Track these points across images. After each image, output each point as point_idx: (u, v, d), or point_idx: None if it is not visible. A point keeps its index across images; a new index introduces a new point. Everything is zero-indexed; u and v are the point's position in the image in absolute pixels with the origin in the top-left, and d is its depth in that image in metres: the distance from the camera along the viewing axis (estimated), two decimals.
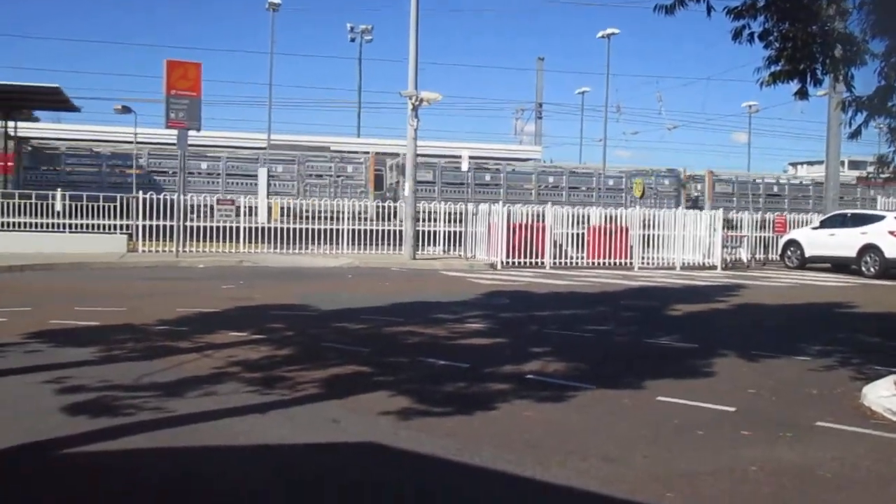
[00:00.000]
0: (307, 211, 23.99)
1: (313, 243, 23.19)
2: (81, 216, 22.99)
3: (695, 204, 33.42)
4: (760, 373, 8.30)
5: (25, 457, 5.22)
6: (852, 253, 21.68)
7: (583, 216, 23.63)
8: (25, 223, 22.93)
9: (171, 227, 21.67)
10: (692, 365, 8.50)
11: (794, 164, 65.56)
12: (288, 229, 23.10)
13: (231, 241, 22.62)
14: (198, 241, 22.25)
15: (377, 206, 24.90)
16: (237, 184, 30.67)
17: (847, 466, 5.38)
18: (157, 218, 22.14)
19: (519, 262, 22.04)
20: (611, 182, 34.68)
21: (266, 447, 5.55)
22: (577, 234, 23.29)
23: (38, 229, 22.63)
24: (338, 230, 23.50)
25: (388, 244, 23.47)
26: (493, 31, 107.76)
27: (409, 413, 6.29)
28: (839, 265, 22.63)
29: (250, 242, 22.94)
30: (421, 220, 23.64)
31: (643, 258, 23.26)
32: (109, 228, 22.75)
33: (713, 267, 23.27)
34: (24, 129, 34.16)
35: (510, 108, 71.06)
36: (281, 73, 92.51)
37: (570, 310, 13.40)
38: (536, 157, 42.05)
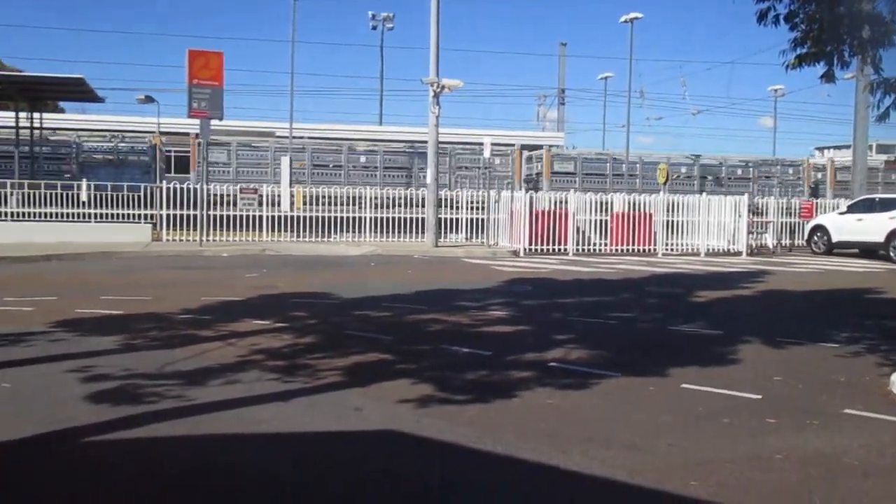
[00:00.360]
0: (329, 199, 24.03)
1: (336, 232, 23.24)
2: (106, 206, 23.19)
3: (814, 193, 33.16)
4: (786, 360, 8.21)
5: (51, 444, 5.26)
6: (880, 238, 21.40)
7: (606, 202, 23.49)
8: (52, 213, 23.15)
9: (195, 216, 21.80)
10: (717, 352, 8.42)
11: (820, 149, 64.76)
12: (310, 217, 23.16)
13: (254, 229, 22.72)
14: (221, 230, 22.38)
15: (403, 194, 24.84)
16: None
17: (874, 454, 5.31)
18: (181, 207, 22.28)
19: (542, 249, 21.96)
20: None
21: (289, 435, 5.56)
22: (601, 221, 23.16)
23: (64, 219, 22.84)
24: (360, 218, 23.53)
25: (411, 232, 23.46)
26: (514, 17, 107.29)
27: (431, 401, 6.28)
28: (867, 250, 22.34)
29: (273, 231, 23.03)
30: (443, 207, 23.61)
31: (667, 244, 23.09)
32: (134, 218, 22.93)
33: (738, 253, 23.06)
34: (49, 119, 34.46)
35: (532, 95, 70.63)
36: (303, 61, 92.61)
37: (593, 297, 13.32)
38: (559, 144, 41.80)
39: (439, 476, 4.95)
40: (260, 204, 23.30)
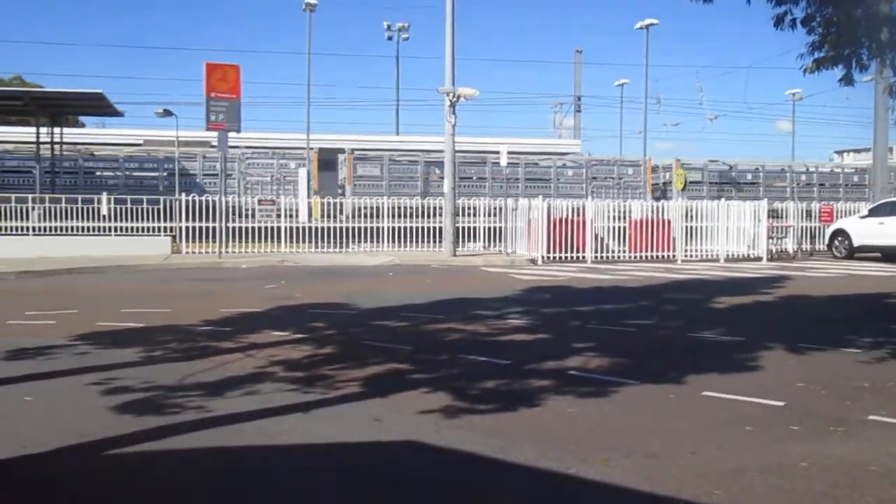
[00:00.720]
0: (347, 209, 24.11)
1: (354, 242, 23.30)
2: (127, 219, 23.36)
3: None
4: (809, 366, 8.13)
5: (76, 457, 5.29)
6: None
7: (624, 209, 23.41)
8: (72, 227, 23.35)
9: (214, 228, 21.92)
10: (738, 359, 8.35)
11: (839, 152, 64.28)
12: (328, 228, 23.23)
13: (272, 240, 22.83)
14: (240, 241, 22.50)
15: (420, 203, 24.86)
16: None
17: None
18: (200, 219, 22.41)
19: (560, 257, 21.91)
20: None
21: (309, 446, 5.56)
22: (619, 228, 23.09)
23: (85, 233, 23.03)
24: (378, 228, 23.58)
25: (429, 241, 23.47)
26: (530, 24, 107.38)
27: (451, 411, 6.27)
28: (889, 255, 22.12)
29: (291, 242, 23.12)
30: (460, 215, 23.61)
31: (686, 250, 22.98)
32: (154, 231, 23.09)
33: (758, 258, 22.90)
34: (70, 134, 34.81)
35: (548, 102, 70.59)
36: (318, 72, 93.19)
37: (612, 304, 13.26)
38: (575, 151, 41.74)
39: (461, 486, 4.92)
40: (278, 215, 23.42)
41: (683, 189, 31.01)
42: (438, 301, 12.88)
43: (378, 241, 23.51)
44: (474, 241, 24.24)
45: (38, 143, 29.24)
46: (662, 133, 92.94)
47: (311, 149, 33.23)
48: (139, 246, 21.64)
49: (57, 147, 31.08)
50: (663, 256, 22.66)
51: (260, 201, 23.69)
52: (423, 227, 23.72)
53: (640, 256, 22.56)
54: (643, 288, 15.70)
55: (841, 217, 25.09)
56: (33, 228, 23.24)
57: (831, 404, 6.63)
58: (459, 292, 14.23)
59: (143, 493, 4.77)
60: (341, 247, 23.14)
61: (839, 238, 23.69)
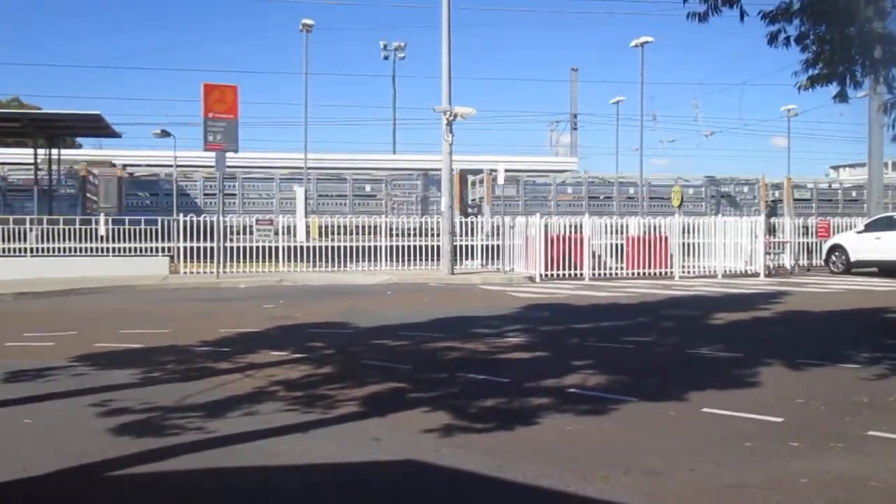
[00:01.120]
0: (345, 228, 24.14)
1: (352, 261, 23.31)
2: (124, 240, 23.37)
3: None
4: (807, 382, 8.13)
5: (76, 478, 5.28)
6: None
7: (621, 226, 23.47)
8: (70, 248, 23.35)
9: (212, 248, 21.93)
10: (736, 375, 8.35)
11: (835, 168, 64.48)
12: (326, 247, 23.25)
13: (270, 260, 22.84)
14: (238, 261, 22.52)
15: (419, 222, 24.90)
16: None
17: None
18: (198, 239, 22.43)
19: (558, 275, 21.93)
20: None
21: (309, 466, 5.55)
22: (616, 245, 23.13)
23: (83, 254, 23.03)
24: (376, 247, 23.60)
25: (427, 259, 23.49)
26: (525, 43, 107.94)
27: (451, 430, 6.26)
28: (886, 269, 22.17)
29: (289, 261, 23.13)
30: (458, 234, 23.65)
31: (684, 267, 23.01)
32: (152, 251, 23.10)
33: (756, 274, 22.94)
34: (67, 155, 34.84)
35: (545, 120, 70.85)
36: (315, 92, 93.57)
37: (610, 321, 13.28)
38: (572, 169, 41.86)
39: None
40: (276, 234, 23.45)
41: (680, 206, 31.07)
42: (437, 319, 12.89)
43: (376, 260, 23.53)
44: (472, 259, 24.26)
45: (35, 164, 29.28)
46: (659, 150, 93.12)
47: (310, 168, 33.25)
48: (137, 266, 21.65)
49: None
50: (661, 273, 22.69)
51: (258, 221, 23.72)
52: (420, 246, 23.75)
53: (638, 273, 22.58)
54: (641, 305, 15.71)
55: (837, 232, 25.15)
56: (31, 249, 23.24)
57: (830, 420, 6.63)
58: (458, 310, 14.24)
59: None
60: (339, 266, 23.15)
61: (836, 253, 23.75)
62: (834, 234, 25.16)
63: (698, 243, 23.43)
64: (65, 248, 23.34)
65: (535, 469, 5.35)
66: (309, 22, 35.37)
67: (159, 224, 23.24)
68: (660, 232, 23.39)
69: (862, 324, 13.19)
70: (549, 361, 9.37)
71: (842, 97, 8.04)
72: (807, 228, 26.12)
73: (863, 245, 22.69)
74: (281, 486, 5.25)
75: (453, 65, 22.85)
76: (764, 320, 13.32)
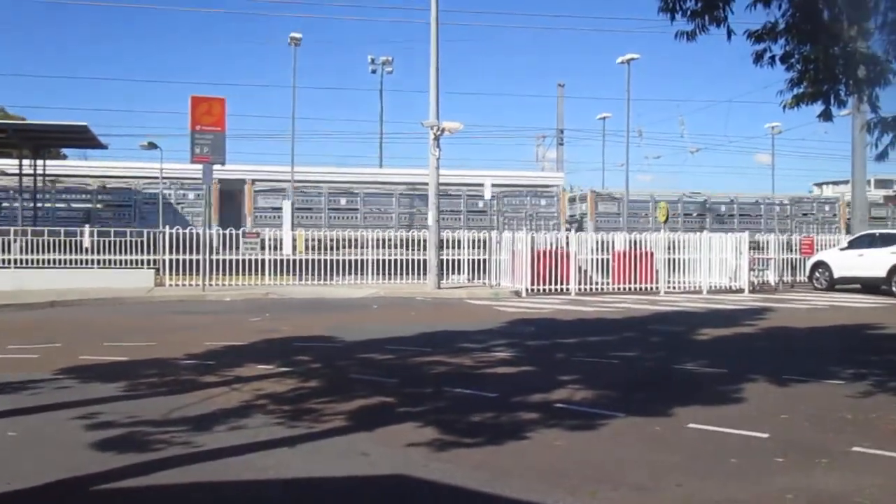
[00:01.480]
0: (332, 241, 24.11)
1: (338, 274, 23.27)
2: (109, 252, 23.23)
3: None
4: (792, 398, 8.19)
5: (59, 493, 5.25)
6: (882, 273, 21.42)
7: (607, 241, 23.56)
8: (55, 259, 23.19)
9: (198, 260, 21.84)
10: (722, 391, 8.40)
11: (819, 185, 65.00)
12: (312, 260, 23.20)
13: (256, 273, 22.76)
14: (224, 274, 22.42)
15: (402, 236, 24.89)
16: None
17: (887, 493, 5.28)
18: (184, 252, 22.32)
19: (544, 290, 21.98)
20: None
21: (297, 481, 5.54)
22: (602, 260, 23.22)
23: (68, 266, 22.87)
24: (362, 260, 23.57)
25: (413, 273, 23.48)
26: (513, 58, 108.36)
27: (439, 444, 6.27)
28: (869, 286, 22.35)
29: (276, 274, 23.06)
30: (445, 248, 23.66)
31: (669, 282, 23.11)
32: (137, 263, 22.96)
33: (740, 290, 23.06)
34: (52, 166, 34.67)
35: (531, 135, 71.13)
36: (303, 105, 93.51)
37: (596, 336, 13.32)
38: (559, 184, 42.01)
39: None
40: (262, 248, 23.38)
41: (665, 221, 31.22)
42: (423, 334, 12.89)
43: (362, 274, 23.49)
44: (459, 273, 24.27)
45: (20, 174, 29.13)
46: (644, 165, 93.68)
47: (295, 182, 33.24)
48: (122, 278, 21.50)
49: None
50: (646, 288, 22.78)
51: (244, 233, 23.64)
52: (407, 260, 23.74)
53: (624, 288, 22.67)
54: (627, 320, 15.77)
55: (821, 249, 25.34)
56: (15, 261, 23.06)
57: (815, 436, 6.68)
58: (444, 325, 14.25)
59: None
60: (326, 279, 23.11)
61: (820, 270, 23.92)
62: (817, 250, 25.35)
63: (683, 259, 23.55)
64: (49, 260, 23.18)
65: (524, 484, 5.36)
66: (297, 35, 35.48)
67: (145, 236, 23.13)
68: (645, 247, 23.50)
69: (845, 340, 13.29)
70: (536, 376, 9.39)
71: (826, 116, 8.14)
72: (791, 244, 26.29)
73: (846, 262, 22.86)
74: (269, 500, 5.24)
75: (441, 80, 22.95)
76: (748, 336, 13.40)
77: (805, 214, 35.53)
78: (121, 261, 23.17)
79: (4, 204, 31.98)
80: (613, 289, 22.63)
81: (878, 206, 36.24)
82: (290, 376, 9.13)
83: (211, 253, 22.05)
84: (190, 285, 21.75)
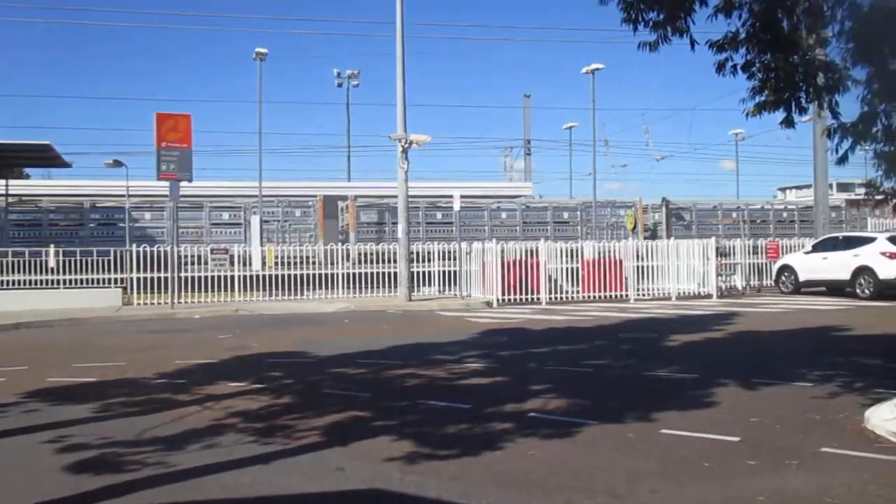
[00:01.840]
0: (300, 257, 24.00)
1: (308, 289, 23.17)
2: (75, 271, 22.93)
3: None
4: (762, 401, 8.30)
5: None
6: (846, 275, 21.74)
7: (576, 250, 23.70)
8: (19, 280, 22.86)
9: (166, 278, 21.63)
10: (693, 396, 8.50)
11: (782, 189, 66.00)
12: (282, 276, 23.09)
13: (226, 290, 22.59)
14: (193, 291, 22.22)
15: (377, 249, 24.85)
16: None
17: (854, 492, 5.37)
18: (151, 270, 22.09)
19: (515, 299, 22.05)
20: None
21: (273, 498, 5.52)
22: (572, 269, 23.35)
23: (32, 286, 22.56)
24: (332, 274, 23.50)
25: (384, 286, 23.46)
26: (479, 70, 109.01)
27: (414, 457, 6.27)
28: (834, 288, 22.68)
29: (245, 291, 22.90)
30: (415, 260, 23.67)
31: (639, 289, 23.29)
32: (104, 283, 22.68)
33: (709, 295, 23.30)
34: (15, 186, 34.18)
35: (499, 146, 71.51)
36: (270, 120, 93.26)
37: (568, 345, 13.39)
38: (527, 194, 42.20)
39: None
40: (231, 263, 23.21)
41: (634, 229, 31.52)
42: (395, 347, 12.87)
43: (333, 288, 23.42)
44: (429, 285, 24.27)
45: None
46: (611, 174, 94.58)
47: (265, 196, 33.03)
48: (89, 298, 21.21)
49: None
50: (616, 296, 22.93)
51: (212, 250, 23.46)
52: (378, 273, 23.71)
53: (594, 296, 22.80)
54: (598, 328, 15.87)
55: (786, 253, 25.69)
56: None
57: (785, 438, 6.78)
58: (416, 337, 14.25)
59: None
60: (296, 294, 23.00)
61: (785, 273, 24.23)
62: (783, 254, 25.69)
63: (652, 266, 23.76)
64: (13, 281, 22.84)
65: (500, 494, 5.38)
66: (262, 51, 35.28)
67: (112, 255, 22.87)
68: (614, 255, 23.67)
69: (812, 343, 13.48)
70: (509, 386, 9.43)
71: (788, 123, 8.28)
72: (756, 249, 26.61)
73: (811, 265, 23.17)
74: None
75: (408, 92, 23.02)
76: (718, 341, 13.55)
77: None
78: (87, 280, 22.88)
79: None
80: (583, 297, 22.76)
81: (838, 209, 36.75)
82: (262, 393, 9.07)
83: (179, 270, 21.85)
84: (158, 303, 21.54)
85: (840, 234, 25.20)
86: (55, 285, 22.62)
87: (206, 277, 22.48)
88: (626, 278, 23.31)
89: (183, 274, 22.11)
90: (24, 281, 22.84)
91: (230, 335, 15.30)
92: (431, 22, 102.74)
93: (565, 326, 16.27)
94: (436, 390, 9.15)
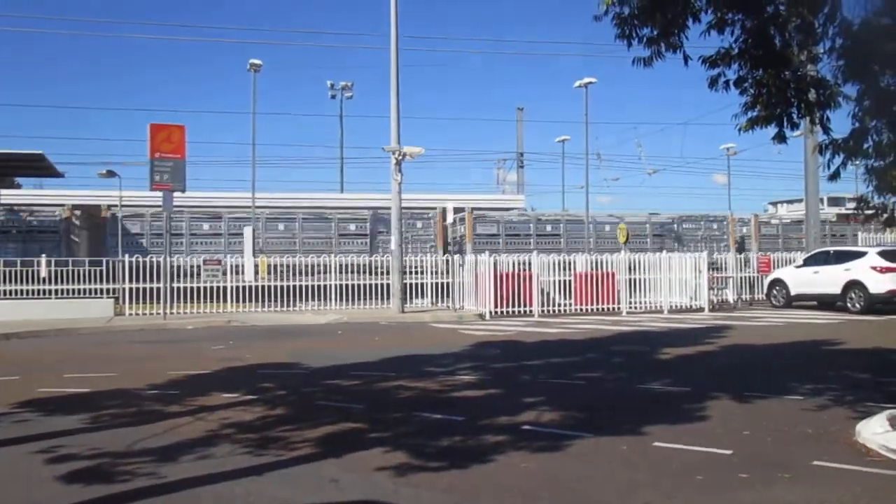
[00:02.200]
0: (294, 267, 23.97)
1: (301, 300, 23.15)
2: (67, 281, 22.87)
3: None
4: (754, 414, 8.33)
5: None
6: (837, 290, 21.84)
7: (569, 262, 23.75)
8: (10, 290, 22.78)
9: (159, 289, 21.58)
10: (686, 409, 8.52)
11: (773, 203, 66.20)
12: (275, 287, 23.07)
13: (218, 300, 22.55)
14: (185, 302, 22.17)
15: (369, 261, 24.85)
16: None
17: None
18: (144, 280, 22.04)
19: (507, 312, 22.07)
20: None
21: None
22: (564, 281, 23.40)
23: (24, 296, 22.48)
24: (325, 286, 23.49)
25: (377, 298, 23.46)
26: (473, 83, 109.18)
27: (408, 469, 6.28)
28: (825, 302, 22.77)
29: (238, 302, 22.86)
30: (408, 272, 23.68)
31: (631, 302, 23.35)
32: (96, 293, 22.63)
33: (700, 309, 23.36)
34: (6, 195, 34.06)
35: (492, 159, 71.68)
36: (264, 131, 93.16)
37: (560, 357, 13.41)
38: (520, 207, 42.28)
39: None
40: (224, 274, 23.18)
41: (626, 242, 31.57)
42: (389, 358, 12.87)
43: (326, 300, 23.41)
44: (422, 297, 24.28)
45: None
46: (603, 188, 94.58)
47: (258, 207, 33.01)
48: (81, 308, 21.15)
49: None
50: (609, 309, 22.99)
51: (205, 261, 23.43)
52: (371, 285, 23.71)
53: (586, 309, 22.84)
54: (590, 341, 15.90)
55: (778, 267, 25.78)
56: None
57: (777, 451, 6.80)
58: (409, 349, 14.24)
59: None
60: (289, 305, 22.98)
61: (777, 287, 24.32)
62: (774, 268, 25.79)
63: (644, 279, 23.82)
64: (5, 291, 22.76)
65: None
66: (257, 62, 35.34)
67: (104, 265, 22.81)
68: (607, 268, 23.73)
69: (804, 356, 13.52)
70: (502, 399, 9.43)
71: (780, 138, 8.33)
72: (748, 262, 26.69)
73: (802, 279, 23.27)
74: None
75: (401, 105, 23.09)
76: (710, 354, 13.59)
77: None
78: (79, 290, 22.83)
79: None
80: (576, 310, 22.80)
81: (830, 224, 36.85)
82: (255, 404, 9.06)
83: (172, 281, 21.82)
84: (151, 314, 21.49)
85: (831, 249, 25.30)
86: (47, 295, 22.56)
87: (198, 288, 22.43)
88: (619, 291, 23.37)
89: (175, 284, 22.06)
90: (16, 291, 22.76)
91: (223, 346, 15.27)
92: (426, 35, 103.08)
93: (558, 339, 16.30)
94: (429, 402, 9.16)
